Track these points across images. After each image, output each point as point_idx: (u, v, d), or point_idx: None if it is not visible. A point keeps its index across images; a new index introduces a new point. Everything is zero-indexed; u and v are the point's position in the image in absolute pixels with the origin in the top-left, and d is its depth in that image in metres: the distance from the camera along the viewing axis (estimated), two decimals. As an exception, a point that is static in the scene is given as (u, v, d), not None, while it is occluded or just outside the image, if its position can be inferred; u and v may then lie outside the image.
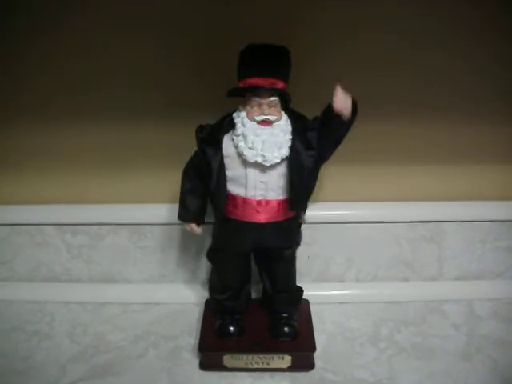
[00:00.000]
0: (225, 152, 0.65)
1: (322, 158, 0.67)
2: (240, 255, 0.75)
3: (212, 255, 0.78)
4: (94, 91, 0.82)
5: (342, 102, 0.61)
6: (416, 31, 0.78)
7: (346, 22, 0.77)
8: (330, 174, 0.68)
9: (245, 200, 0.67)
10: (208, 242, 0.81)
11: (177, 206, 0.73)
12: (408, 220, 0.90)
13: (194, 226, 0.73)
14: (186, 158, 0.72)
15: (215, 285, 0.79)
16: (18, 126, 0.85)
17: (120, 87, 0.81)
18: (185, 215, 0.73)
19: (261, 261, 0.78)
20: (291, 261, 0.78)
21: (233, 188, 0.67)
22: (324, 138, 0.66)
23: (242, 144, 0.63)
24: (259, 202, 0.67)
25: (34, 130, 0.85)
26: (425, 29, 0.78)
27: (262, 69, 0.62)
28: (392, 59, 0.80)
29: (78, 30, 0.78)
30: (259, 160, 0.63)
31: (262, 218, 0.68)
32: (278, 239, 0.71)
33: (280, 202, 0.68)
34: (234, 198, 0.68)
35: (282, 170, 0.66)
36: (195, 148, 0.69)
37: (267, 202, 0.67)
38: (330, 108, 0.63)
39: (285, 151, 0.64)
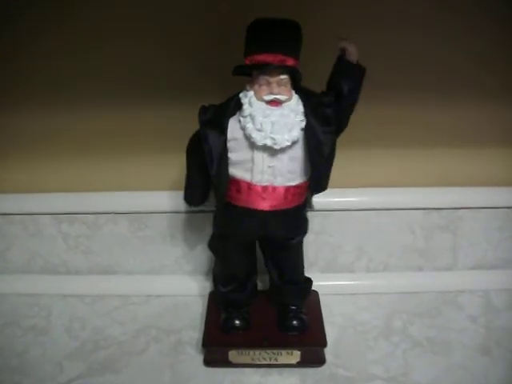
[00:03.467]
0: (230, 135, 0.62)
1: (340, 129, 0.65)
2: (244, 244, 0.73)
3: (214, 244, 0.75)
4: (93, 77, 0.80)
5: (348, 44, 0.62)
6: (417, 18, 0.76)
7: (352, 8, 0.75)
8: (339, 160, 0.67)
9: (250, 185, 0.64)
10: (210, 231, 0.78)
11: (178, 193, 0.71)
12: (422, 207, 0.88)
13: None
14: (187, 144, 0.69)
15: (219, 276, 0.77)
16: (10, 115, 0.84)
17: (119, 73, 0.80)
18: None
19: (266, 250, 0.75)
20: (298, 250, 0.75)
21: (237, 172, 0.64)
22: (340, 105, 0.63)
23: (249, 126, 0.60)
24: (265, 189, 0.64)
25: (28, 119, 0.84)
26: (426, 15, 0.76)
27: (271, 44, 0.58)
28: (393, 45, 0.78)
29: (77, 17, 0.76)
30: (268, 143, 0.60)
31: (266, 205, 0.65)
32: (284, 228, 0.68)
33: (287, 189, 0.64)
34: (238, 182, 0.64)
35: (293, 153, 0.62)
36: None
37: (274, 188, 0.64)
38: (338, 59, 0.63)
39: (296, 133, 0.60)
